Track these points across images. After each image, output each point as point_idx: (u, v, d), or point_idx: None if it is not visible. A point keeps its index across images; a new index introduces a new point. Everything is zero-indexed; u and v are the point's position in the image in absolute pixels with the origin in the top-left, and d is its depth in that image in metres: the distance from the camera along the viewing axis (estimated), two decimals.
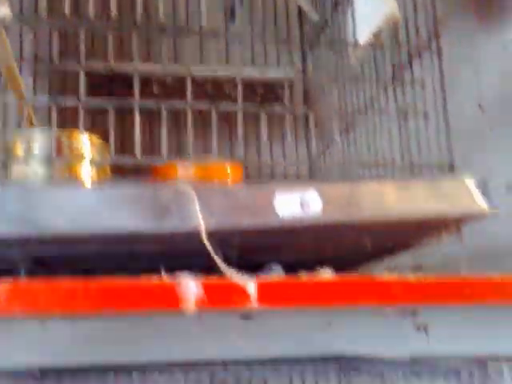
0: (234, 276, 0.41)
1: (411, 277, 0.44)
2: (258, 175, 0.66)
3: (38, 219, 0.40)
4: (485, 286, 0.44)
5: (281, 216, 0.43)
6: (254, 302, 0.42)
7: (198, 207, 0.42)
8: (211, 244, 0.42)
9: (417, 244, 0.50)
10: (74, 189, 0.42)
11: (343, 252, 0.50)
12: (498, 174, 0.71)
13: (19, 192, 0.41)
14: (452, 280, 0.44)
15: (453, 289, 0.43)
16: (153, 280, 0.41)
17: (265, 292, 0.42)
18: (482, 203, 0.44)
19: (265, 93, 0.76)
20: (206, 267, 0.42)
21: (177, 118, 0.57)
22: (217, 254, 0.42)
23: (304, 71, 0.79)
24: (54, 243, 0.42)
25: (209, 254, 0.43)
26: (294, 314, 0.87)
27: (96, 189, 0.42)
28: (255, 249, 0.48)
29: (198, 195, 0.42)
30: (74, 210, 0.41)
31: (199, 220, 0.42)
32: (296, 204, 0.43)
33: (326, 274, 0.44)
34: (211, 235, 0.42)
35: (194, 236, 0.42)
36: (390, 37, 0.54)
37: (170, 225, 0.42)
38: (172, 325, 0.81)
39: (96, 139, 0.51)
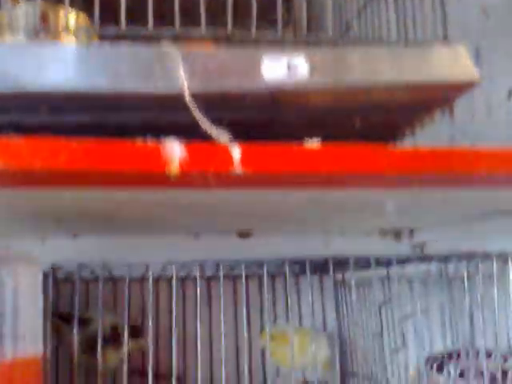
0: (218, 137, 0.41)
1: (400, 148, 0.43)
2: None
3: (19, 77, 0.40)
4: (477, 155, 0.43)
5: (267, 79, 0.42)
6: (237, 167, 0.41)
7: (181, 68, 0.41)
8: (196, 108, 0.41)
9: (408, 124, 0.49)
10: (57, 47, 0.41)
11: (333, 135, 0.49)
12: (499, 79, 0.70)
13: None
14: (443, 150, 0.43)
15: (444, 158, 0.42)
16: (137, 142, 0.40)
17: (249, 156, 0.41)
18: (473, 71, 0.43)
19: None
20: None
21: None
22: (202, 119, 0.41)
23: None
24: (36, 104, 0.41)
25: (195, 124, 0.43)
26: (290, 231, 0.86)
27: (79, 47, 0.41)
28: (244, 125, 0.47)
29: (182, 57, 0.41)
30: (56, 68, 0.40)
31: (183, 81, 0.41)
32: (283, 68, 0.42)
33: (314, 143, 0.43)
34: (196, 98, 0.41)
35: (179, 99, 0.41)
36: None
37: (154, 85, 0.41)
38: (171, 241, 0.83)
39: (83, 18, 0.50)
